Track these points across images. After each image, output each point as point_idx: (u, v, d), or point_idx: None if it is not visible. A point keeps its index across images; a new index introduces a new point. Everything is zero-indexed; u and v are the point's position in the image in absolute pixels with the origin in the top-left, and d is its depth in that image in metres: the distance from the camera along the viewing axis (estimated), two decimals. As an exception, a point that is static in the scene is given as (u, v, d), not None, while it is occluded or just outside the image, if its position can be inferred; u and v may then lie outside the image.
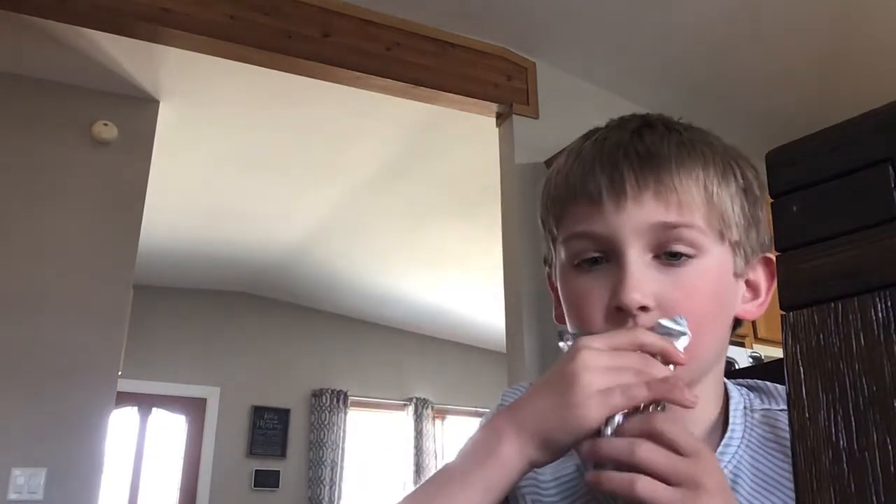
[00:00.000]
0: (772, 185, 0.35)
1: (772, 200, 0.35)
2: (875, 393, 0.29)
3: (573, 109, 3.23)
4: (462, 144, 3.85)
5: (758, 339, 3.13)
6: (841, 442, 0.30)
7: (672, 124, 0.67)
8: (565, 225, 0.66)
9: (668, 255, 0.62)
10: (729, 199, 0.64)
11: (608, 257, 0.63)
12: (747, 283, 0.67)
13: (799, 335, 0.32)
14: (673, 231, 0.61)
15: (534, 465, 0.56)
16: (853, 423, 0.30)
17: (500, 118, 3.25)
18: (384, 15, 3.00)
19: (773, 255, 0.67)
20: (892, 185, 0.31)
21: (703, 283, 0.62)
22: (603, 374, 0.54)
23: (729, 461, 0.62)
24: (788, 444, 0.61)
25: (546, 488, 0.67)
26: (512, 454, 0.55)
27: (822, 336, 0.31)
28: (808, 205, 0.33)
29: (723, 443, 0.63)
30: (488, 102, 3.17)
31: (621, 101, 3.42)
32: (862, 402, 0.30)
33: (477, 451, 0.57)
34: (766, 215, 0.68)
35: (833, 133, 0.34)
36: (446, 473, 0.58)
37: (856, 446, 0.29)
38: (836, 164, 0.33)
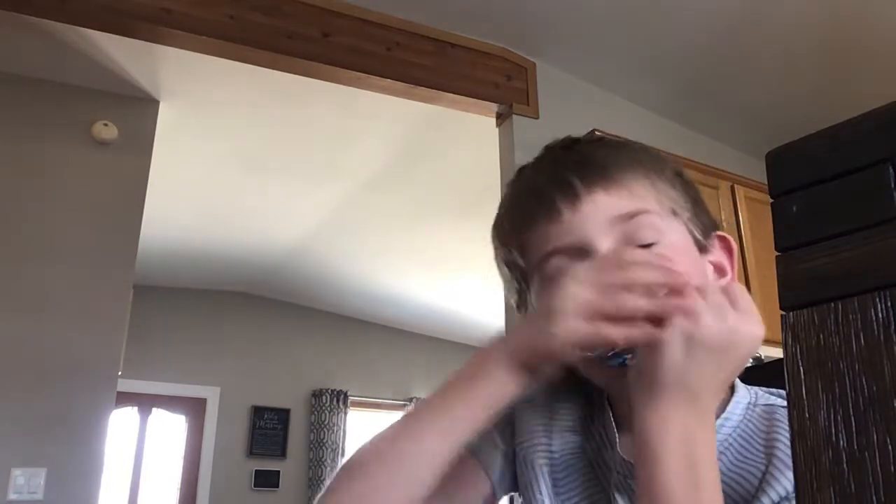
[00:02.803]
0: (772, 185, 0.35)
1: (772, 200, 0.35)
2: (875, 393, 0.29)
3: (573, 109, 3.22)
4: (462, 144, 3.85)
5: (758, 339, 3.12)
6: (841, 442, 0.30)
7: (592, 137, 0.74)
8: (532, 251, 0.68)
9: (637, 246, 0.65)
10: (668, 181, 0.69)
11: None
12: (713, 265, 0.71)
13: (799, 335, 0.32)
14: (633, 220, 0.65)
15: (523, 388, 0.60)
16: (853, 423, 0.30)
17: (500, 118, 3.24)
18: (384, 15, 3.00)
19: (724, 233, 0.72)
20: (892, 185, 0.31)
21: (674, 255, 0.65)
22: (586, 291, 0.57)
23: (718, 445, 0.63)
24: (775, 430, 0.62)
25: (557, 460, 0.70)
26: (503, 374, 0.59)
27: (822, 336, 0.31)
28: (808, 205, 0.33)
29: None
30: (488, 102, 3.17)
31: (621, 100, 3.42)
32: (862, 402, 0.30)
33: (472, 373, 0.61)
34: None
35: (833, 133, 0.34)
36: (445, 391, 0.62)
37: (856, 446, 0.29)
38: (836, 164, 0.33)
